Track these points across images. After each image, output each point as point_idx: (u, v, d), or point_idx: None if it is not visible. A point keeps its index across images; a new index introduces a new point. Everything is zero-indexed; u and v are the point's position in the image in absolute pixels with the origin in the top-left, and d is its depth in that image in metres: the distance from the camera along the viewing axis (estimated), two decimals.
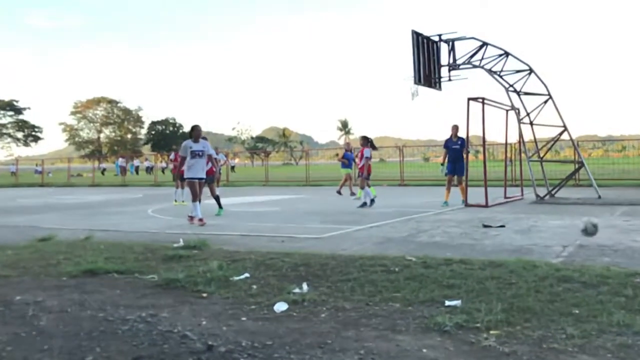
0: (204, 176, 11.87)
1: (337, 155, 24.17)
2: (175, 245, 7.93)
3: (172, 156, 19.72)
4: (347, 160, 19.77)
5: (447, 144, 15.22)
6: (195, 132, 11.74)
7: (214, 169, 13.82)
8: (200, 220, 11.37)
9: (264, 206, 16.31)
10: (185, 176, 11.84)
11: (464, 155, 14.90)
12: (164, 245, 8.00)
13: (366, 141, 15.38)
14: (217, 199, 13.63)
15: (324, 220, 11.96)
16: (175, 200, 17.76)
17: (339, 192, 19.83)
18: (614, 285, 4.96)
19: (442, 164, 15.61)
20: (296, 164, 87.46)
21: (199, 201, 11.70)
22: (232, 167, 52.36)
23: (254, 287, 5.33)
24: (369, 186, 15.14)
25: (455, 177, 15.11)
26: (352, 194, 19.09)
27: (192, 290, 5.29)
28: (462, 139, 14.90)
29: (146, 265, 6.56)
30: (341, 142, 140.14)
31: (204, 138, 11.88)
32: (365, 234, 9.67)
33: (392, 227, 10.45)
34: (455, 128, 15.04)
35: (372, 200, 14.67)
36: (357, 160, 18.29)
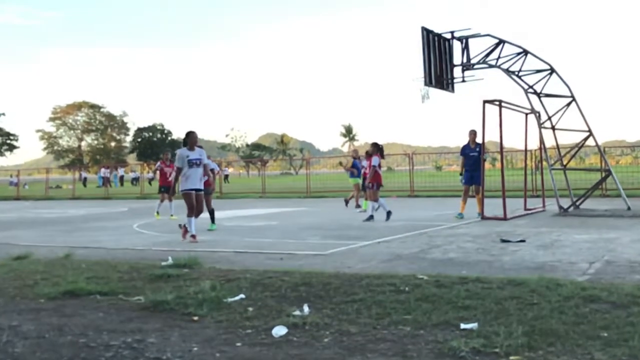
0: (202, 187, 11.82)
1: (340, 163, 24.16)
2: (164, 263, 7.92)
3: (158, 165, 19.61)
4: (356, 169, 19.72)
5: (465, 151, 15.25)
6: (191, 139, 11.68)
7: (211, 181, 13.77)
8: (193, 236, 11.35)
9: (261, 220, 16.31)
10: (181, 188, 11.64)
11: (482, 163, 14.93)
12: (151, 264, 7.99)
13: (376, 149, 15.38)
14: (211, 212, 13.62)
15: (327, 236, 11.95)
16: (157, 213, 17.79)
17: (346, 202, 19.92)
18: None
19: (461, 174, 15.61)
20: (296, 173, 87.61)
21: (196, 215, 11.68)
22: (226, 177, 52.36)
23: (250, 309, 5.32)
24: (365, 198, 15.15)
25: (473, 186, 15.10)
26: (358, 206, 19.09)
27: (182, 313, 5.28)
28: (480, 145, 14.93)
29: (132, 285, 6.55)
30: (345, 149, 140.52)
31: (199, 146, 11.87)
32: (372, 250, 9.65)
33: (402, 243, 10.43)
34: (473, 134, 15.07)
35: (389, 213, 14.62)
36: (366, 169, 18.31)
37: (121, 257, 9.25)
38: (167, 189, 18.20)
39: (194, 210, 11.56)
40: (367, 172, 18.16)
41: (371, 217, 14.71)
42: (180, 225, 12.17)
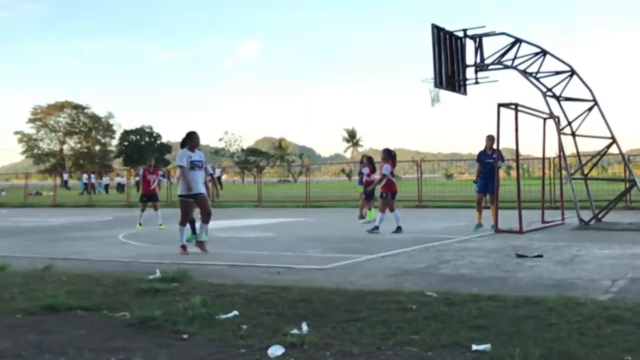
0: (205, 191, 11.71)
1: (343, 170, 24.23)
2: (151, 277, 7.91)
3: (140, 172, 19.43)
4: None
5: (480, 157, 15.29)
6: (193, 140, 11.54)
7: (208, 185, 13.67)
8: (183, 247, 11.34)
9: (257, 231, 16.31)
10: (180, 192, 11.49)
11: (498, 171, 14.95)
12: (137, 277, 7.99)
13: (388, 155, 15.39)
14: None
15: (328, 248, 11.95)
16: (140, 224, 17.72)
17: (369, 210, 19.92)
18: None
19: (475, 181, 15.62)
20: (294, 181, 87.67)
21: (190, 222, 11.62)
22: (219, 179, 52.14)
23: (244, 327, 5.31)
24: (377, 210, 15.12)
25: (488, 196, 15.08)
26: (362, 217, 19.08)
27: (171, 330, 5.27)
28: (499, 152, 14.95)
29: (116, 300, 6.54)
30: (348, 155, 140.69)
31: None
32: (377, 264, 9.65)
33: (409, 257, 10.43)
34: (491, 139, 15.09)
35: (399, 229, 14.58)
36: (368, 177, 18.29)
37: (105, 269, 9.23)
38: (149, 198, 18.19)
39: (187, 220, 11.53)
40: (368, 180, 18.24)
41: (376, 228, 14.70)
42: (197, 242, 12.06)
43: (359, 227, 16.75)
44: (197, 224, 13.92)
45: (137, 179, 19.73)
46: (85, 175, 55.37)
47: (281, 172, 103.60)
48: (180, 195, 11.55)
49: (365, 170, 18.90)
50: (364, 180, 19.09)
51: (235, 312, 5.78)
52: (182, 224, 11.51)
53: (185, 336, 5.09)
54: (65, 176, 62.61)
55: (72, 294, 6.76)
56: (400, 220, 14.77)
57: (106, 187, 58.58)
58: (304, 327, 5.17)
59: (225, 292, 6.84)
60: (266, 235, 15.15)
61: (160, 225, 17.18)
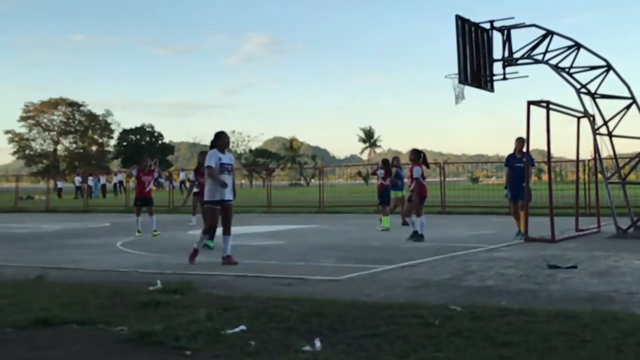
0: (232, 198, 11.65)
1: (359, 173, 24.18)
2: (152, 288, 7.94)
3: (134, 172, 19.35)
4: (399, 180, 19.41)
5: (510, 162, 15.22)
6: (222, 141, 11.52)
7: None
8: (195, 252, 11.32)
9: (266, 239, 16.33)
10: (207, 198, 11.41)
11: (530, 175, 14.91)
12: (136, 288, 8.02)
13: (417, 156, 15.39)
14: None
15: (343, 258, 11.95)
16: (139, 232, 17.66)
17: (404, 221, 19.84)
18: None
19: (506, 187, 15.54)
20: (307, 184, 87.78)
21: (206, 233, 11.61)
22: None
23: (252, 343, 5.31)
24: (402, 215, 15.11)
25: (520, 202, 15.04)
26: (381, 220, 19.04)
27: (172, 346, 5.28)
28: (529, 155, 14.89)
29: (114, 313, 6.56)
30: (364, 156, 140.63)
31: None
32: (396, 275, 9.64)
33: (431, 267, 10.41)
34: (521, 141, 15.01)
35: (421, 236, 14.60)
36: (407, 180, 18.22)
37: (102, 280, 9.27)
38: (142, 202, 18.14)
39: (212, 228, 11.49)
40: (384, 184, 18.34)
41: (416, 234, 14.71)
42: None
43: (376, 234, 16.74)
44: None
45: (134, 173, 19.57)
46: (78, 178, 55.31)
47: (292, 175, 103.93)
48: (206, 202, 11.51)
49: (381, 172, 18.90)
50: (379, 183, 19.12)
51: (243, 327, 5.79)
52: (206, 231, 11.50)
53: (188, 353, 5.10)
54: (60, 184, 62.28)
55: (66, 307, 6.78)
56: (424, 228, 14.76)
57: (103, 187, 58.28)
58: (317, 343, 5.17)
59: (232, 305, 6.85)
60: (276, 243, 15.17)
61: (155, 231, 17.16)
